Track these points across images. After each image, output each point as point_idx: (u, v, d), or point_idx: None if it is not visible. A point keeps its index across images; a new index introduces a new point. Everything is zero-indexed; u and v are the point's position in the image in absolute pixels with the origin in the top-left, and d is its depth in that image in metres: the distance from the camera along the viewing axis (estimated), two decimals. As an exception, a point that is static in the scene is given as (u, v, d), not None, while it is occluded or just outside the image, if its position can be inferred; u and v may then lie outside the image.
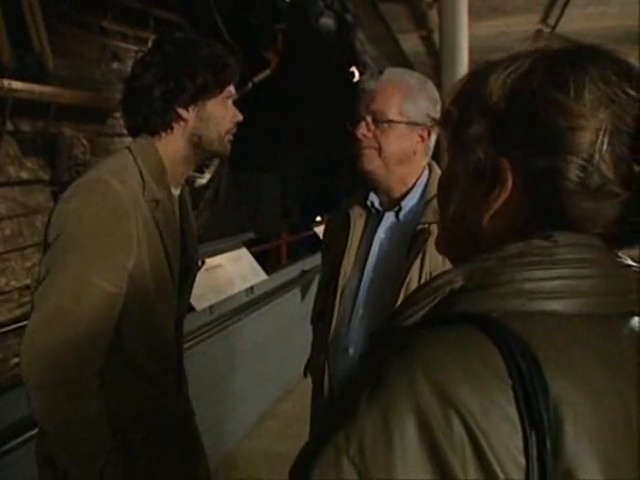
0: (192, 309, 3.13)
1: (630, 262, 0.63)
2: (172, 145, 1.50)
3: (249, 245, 4.57)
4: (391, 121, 1.62)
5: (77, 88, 8.92)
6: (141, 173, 1.43)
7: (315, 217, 8.60)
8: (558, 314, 0.58)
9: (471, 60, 6.95)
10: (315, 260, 5.19)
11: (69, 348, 1.31)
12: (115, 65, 10.71)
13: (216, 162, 11.65)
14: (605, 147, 0.59)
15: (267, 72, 13.59)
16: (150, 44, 1.54)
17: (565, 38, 0.67)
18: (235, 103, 1.56)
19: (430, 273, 1.57)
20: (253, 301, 4.12)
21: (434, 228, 1.59)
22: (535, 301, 0.58)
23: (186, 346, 2.41)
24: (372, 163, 1.65)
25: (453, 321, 0.58)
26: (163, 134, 1.49)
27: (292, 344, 4.37)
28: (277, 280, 4.69)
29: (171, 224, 1.51)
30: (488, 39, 8.38)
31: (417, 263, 1.58)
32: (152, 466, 1.48)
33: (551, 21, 7.90)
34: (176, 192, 1.56)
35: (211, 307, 3.54)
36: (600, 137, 0.59)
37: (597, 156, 0.59)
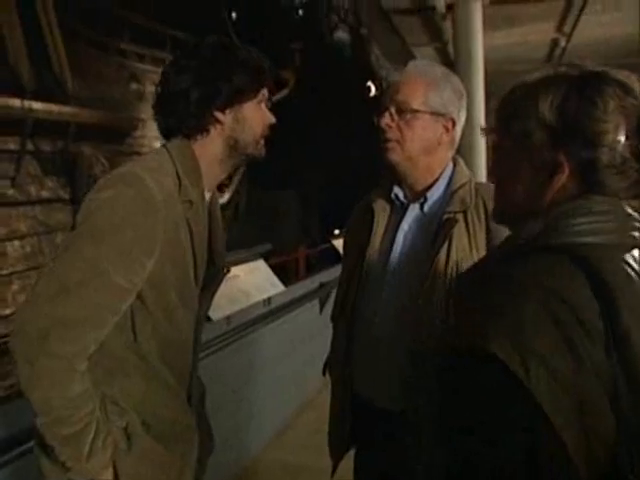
0: (209, 319, 3.12)
1: (631, 212, 0.98)
2: (208, 148, 1.49)
3: (267, 258, 4.57)
4: (415, 111, 1.62)
5: (96, 108, 9.05)
6: (177, 172, 1.43)
7: (333, 231, 8.58)
8: (596, 244, 0.94)
9: (487, 71, 6.93)
10: (334, 273, 5.16)
11: (63, 328, 1.28)
12: (133, 85, 10.86)
13: (236, 180, 11.71)
14: (622, 138, 0.94)
15: (285, 91, 13.69)
16: (183, 49, 1.53)
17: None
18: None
19: (457, 261, 1.57)
20: (270, 312, 4.10)
21: (460, 217, 1.61)
22: (582, 237, 0.94)
23: (202, 356, 2.38)
24: (396, 155, 1.64)
25: (540, 250, 0.95)
26: (199, 137, 1.47)
27: (310, 356, 4.33)
28: (295, 292, 4.67)
29: (202, 227, 1.49)
30: (504, 49, 8.37)
31: (444, 251, 1.58)
32: (148, 455, 1.44)
33: (567, 29, 7.86)
34: (207, 197, 1.54)
35: (228, 317, 3.53)
36: (618, 132, 0.94)
37: (618, 144, 0.94)
